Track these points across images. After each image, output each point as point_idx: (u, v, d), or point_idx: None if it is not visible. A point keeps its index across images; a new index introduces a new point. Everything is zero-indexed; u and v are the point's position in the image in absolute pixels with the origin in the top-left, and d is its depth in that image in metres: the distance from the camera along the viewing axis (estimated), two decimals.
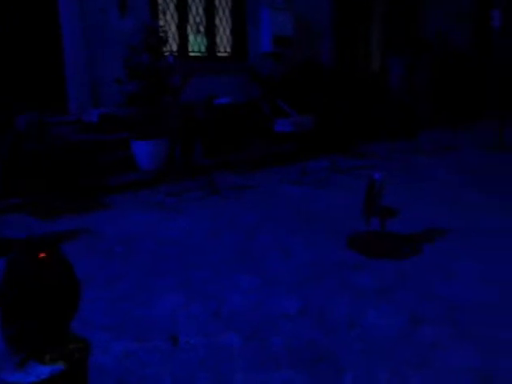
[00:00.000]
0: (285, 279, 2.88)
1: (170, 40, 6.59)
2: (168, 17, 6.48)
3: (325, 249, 3.34)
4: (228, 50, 7.29)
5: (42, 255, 1.29)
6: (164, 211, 4.25)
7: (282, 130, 6.36)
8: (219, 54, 7.20)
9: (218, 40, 7.12)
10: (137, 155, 5.18)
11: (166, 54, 6.47)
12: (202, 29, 6.99)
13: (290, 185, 5.15)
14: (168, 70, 4.99)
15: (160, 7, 6.36)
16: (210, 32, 7.01)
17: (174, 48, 6.66)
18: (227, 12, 7.14)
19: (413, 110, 8.35)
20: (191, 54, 6.90)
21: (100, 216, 4.13)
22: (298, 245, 3.43)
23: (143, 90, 4.80)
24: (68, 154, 4.76)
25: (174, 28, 6.57)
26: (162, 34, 5.09)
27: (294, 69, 7.73)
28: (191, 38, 6.88)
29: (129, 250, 3.35)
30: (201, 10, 6.82)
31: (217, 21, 7.05)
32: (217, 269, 3.05)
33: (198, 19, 6.86)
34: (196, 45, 6.98)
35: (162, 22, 6.38)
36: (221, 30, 7.12)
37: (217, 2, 6.98)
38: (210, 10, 6.91)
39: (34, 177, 4.50)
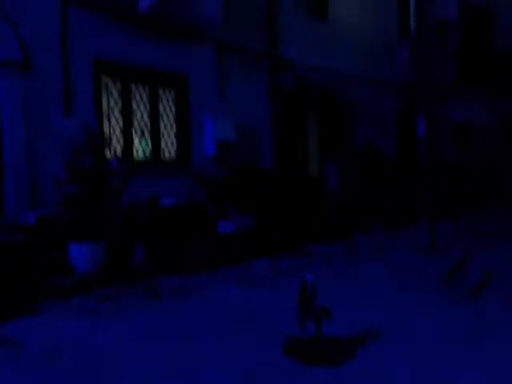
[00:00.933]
0: None
1: (115, 143, 6.77)
2: (113, 121, 6.70)
3: (263, 356, 3.26)
4: (173, 153, 7.52)
5: None
6: (98, 318, 4.05)
7: (225, 231, 6.45)
8: (164, 158, 7.41)
9: (162, 144, 7.37)
10: (74, 258, 5.03)
11: (110, 157, 6.64)
12: (146, 133, 7.24)
13: (232, 287, 5.10)
14: (109, 173, 5.05)
15: (105, 111, 6.59)
16: (155, 136, 7.26)
17: (119, 151, 6.82)
18: (171, 118, 7.48)
19: (350, 213, 8.77)
20: (136, 158, 7.06)
21: (28, 323, 3.89)
22: (236, 352, 3.33)
23: (83, 193, 4.80)
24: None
25: (118, 132, 6.77)
26: (105, 137, 5.21)
27: (237, 172, 8.03)
28: (136, 141, 7.08)
29: (51, 362, 3.13)
30: (146, 116, 7.11)
31: (161, 126, 7.34)
32: (145, 382, 2.88)
33: (142, 124, 7.13)
34: (141, 148, 7.17)
35: (106, 126, 6.59)
36: (165, 134, 7.40)
37: (161, 109, 7.33)
38: (154, 116, 7.22)
39: None
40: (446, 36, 13.45)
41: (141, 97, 7.07)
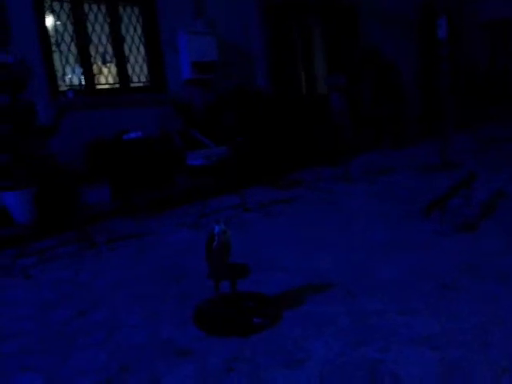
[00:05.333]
0: (79, 378, 2.18)
1: (69, 73, 6.03)
2: (64, 48, 5.90)
3: (163, 324, 2.66)
4: (143, 79, 6.71)
5: None
6: (11, 277, 3.58)
7: (193, 163, 5.71)
8: (133, 85, 6.61)
9: (129, 70, 6.54)
10: (9, 208, 4.52)
11: (65, 89, 5.95)
12: (109, 59, 6.42)
13: (185, 229, 4.49)
14: (31, 110, 4.34)
15: (53, 39, 5.79)
16: (120, 62, 6.43)
17: (76, 81, 6.09)
18: (137, 40, 6.58)
19: (352, 132, 7.77)
20: (99, 87, 6.31)
21: None
22: (134, 319, 2.75)
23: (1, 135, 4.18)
24: None
25: (72, 60, 6.00)
26: (19, 68, 4.42)
27: (221, 96, 7.17)
28: (96, 69, 6.30)
29: None
30: (104, 39, 6.26)
31: (126, 49, 6.48)
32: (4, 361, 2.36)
33: (102, 49, 6.30)
34: (105, 77, 6.40)
35: (57, 55, 5.82)
36: (131, 59, 6.54)
37: (123, 30, 6.43)
38: (115, 39, 6.34)
39: None
40: None
41: (96, 17, 6.17)
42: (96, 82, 6.29)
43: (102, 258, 3.91)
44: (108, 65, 6.49)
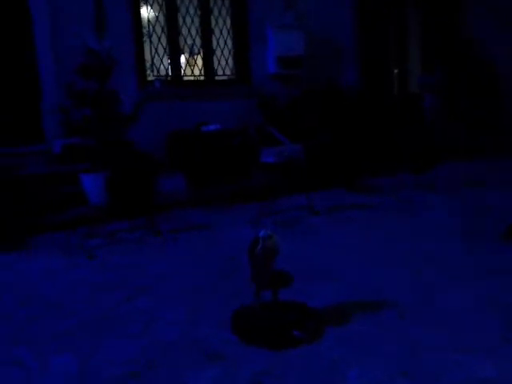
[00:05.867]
0: (103, 371, 2.20)
1: (158, 64, 6.22)
2: (155, 38, 6.10)
3: (201, 322, 2.62)
4: (228, 72, 6.75)
5: None
6: (76, 257, 3.76)
7: (266, 160, 5.63)
8: (218, 78, 6.68)
9: (215, 62, 6.61)
10: (86, 189, 4.76)
11: (153, 78, 6.16)
12: (196, 51, 6.54)
13: (247, 226, 4.42)
14: (114, 98, 4.52)
15: (145, 30, 6.01)
16: (207, 54, 6.52)
17: (163, 72, 6.28)
18: (225, 32, 6.62)
19: (446, 136, 7.20)
20: (185, 79, 6.46)
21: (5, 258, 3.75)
22: (174, 312, 2.74)
23: (86, 120, 4.40)
24: (8, 189, 4.47)
25: (161, 50, 6.18)
26: (106, 57, 4.59)
27: (306, 92, 7.00)
28: (184, 60, 6.45)
29: None
30: (194, 32, 6.37)
31: (213, 42, 6.55)
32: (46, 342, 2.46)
33: (190, 41, 6.42)
34: (191, 68, 6.53)
35: (147, 44, 6.04)
36: (218, 51, 6.61)
37: (212, 23, 6.50)
38: (204, 31, 6.44)
39: None
40: None
41: (187, 9, 6.30)
42: (182, 73, 6.44)
43: (164, 247, 3.99)
44: (195, 57, 6.61)
